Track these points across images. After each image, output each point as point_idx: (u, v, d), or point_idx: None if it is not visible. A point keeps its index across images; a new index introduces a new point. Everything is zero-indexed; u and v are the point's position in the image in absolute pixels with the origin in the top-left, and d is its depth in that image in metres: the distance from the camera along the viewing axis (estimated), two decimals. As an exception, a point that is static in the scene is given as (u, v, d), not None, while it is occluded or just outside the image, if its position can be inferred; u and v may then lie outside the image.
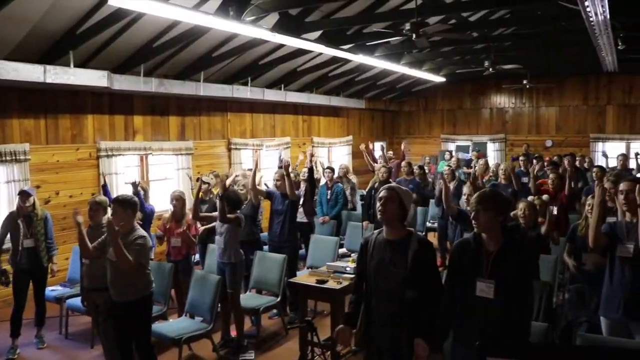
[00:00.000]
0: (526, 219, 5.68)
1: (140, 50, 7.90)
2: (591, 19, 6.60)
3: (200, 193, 7.93)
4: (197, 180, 8.09)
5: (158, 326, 5.64)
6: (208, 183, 7.92)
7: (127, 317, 4.74)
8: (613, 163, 12.65)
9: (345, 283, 5.57)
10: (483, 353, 1.99)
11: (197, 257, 7.51)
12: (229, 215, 5.93)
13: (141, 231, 4.79)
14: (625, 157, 11.24)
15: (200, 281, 5.95)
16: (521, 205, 5.78)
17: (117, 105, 8.89)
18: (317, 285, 5.68)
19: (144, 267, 4.74)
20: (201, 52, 8.72)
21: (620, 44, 8.84)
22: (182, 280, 6.52)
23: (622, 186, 4.24)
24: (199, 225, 7.01)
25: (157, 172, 9.92)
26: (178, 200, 6.72)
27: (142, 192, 7.30)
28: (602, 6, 6.01)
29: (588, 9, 6.10)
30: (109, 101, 8.74)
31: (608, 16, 6.57)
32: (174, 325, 5.71)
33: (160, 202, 8.71)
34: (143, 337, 4.87)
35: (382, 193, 3.63)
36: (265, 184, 9.24)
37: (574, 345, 3.85)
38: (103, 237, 4.95)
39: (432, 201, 10.43)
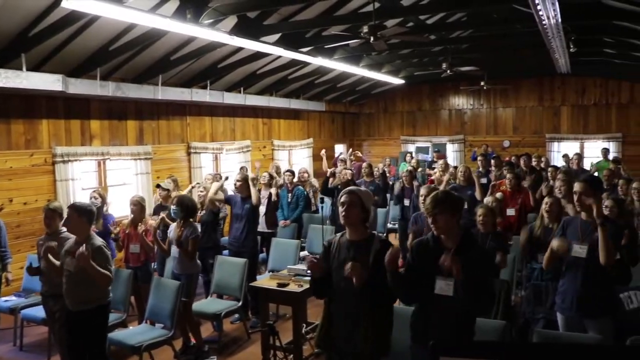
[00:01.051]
0: (485, 224, 5.72)
1: (96, 53, 7.76)
2: (544, 22, 6.74)
3: (160, 199, 7.88)
4: (157, 186, 8.01)
5: (117, 334, 5.55)
6: (167, 189, 7.84)
7: (82, 327, 4.61)
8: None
9: (307, 286, 5.54)
10: (436, 353, 2.00)
11: (155, 263, 7.40)
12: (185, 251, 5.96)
13: (98, 240, 4.69)
14: (579, 157, 11.53)
15: (159, 287, 5.87)
16: (479, 211, 5.82)
17: (73, 110, 8.70)
18: (278, 288, 5.66)
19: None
20: (159, 56, 8.62)
21: (572, 46, 9.05)
22: (142, 286, 6.42)
23: (575, 187, 4.34)
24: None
25: (116, 177, 9.75)
26: (136, 206, 6.60)
27: (100, 200, 7.18)
28: (554, 10, 6.15)
29: (540, 13, 6.23)
30: (64, 105, 8.54)
31: (560, 19, 6.73)
32: (133, 333, 5.63)
33: (119, 208, 8.57)
34: (97, 348, 4.72)
35: (343, 198, 3.66)
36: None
37: (526, 343, 3.93)
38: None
39: (393, 203, 10.52)
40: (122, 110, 9.53)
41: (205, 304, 6.49)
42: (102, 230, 6.80)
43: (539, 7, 6.03)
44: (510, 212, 7.46)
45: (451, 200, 3.50)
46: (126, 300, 6.01)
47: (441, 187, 7.67)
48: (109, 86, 8.34)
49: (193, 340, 6.09)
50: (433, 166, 13.19)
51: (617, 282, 4.91)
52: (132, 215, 6.64)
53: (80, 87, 7.91)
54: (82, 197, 8.02)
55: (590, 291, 4.22)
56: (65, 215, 4.99)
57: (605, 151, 13.14)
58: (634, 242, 5.06)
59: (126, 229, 6.61)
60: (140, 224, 6.45)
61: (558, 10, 6.28)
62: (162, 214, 7.00)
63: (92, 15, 6.27)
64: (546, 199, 5.63)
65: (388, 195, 10.59)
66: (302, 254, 7.47)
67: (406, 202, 9.02)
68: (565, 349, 2.07)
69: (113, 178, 9.65)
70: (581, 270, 4.26)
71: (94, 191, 7.55)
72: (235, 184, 7.23)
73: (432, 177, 10.18)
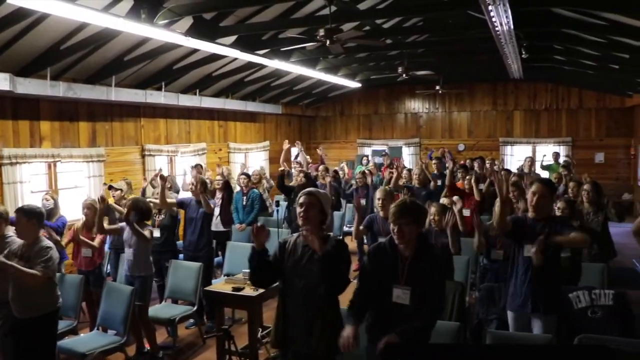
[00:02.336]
0: (437, 222, 5.81)
1: (46, 52, 7.55)
2: (497, 29, 6.88)
3: (113, 200, 7.73)
4: (109, 188, 7.87)
5: (67, 342, 5.41)
6: (120, 189, 7.70)
7: (29, 335, 4.47)
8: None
9: (262, 290, 5.51)
10: (386, 356, 2.02)
11: (108, 267, 7.25)
12: (138, 229, 5.83)
13: (46, 242, 4.56)
14: (531, 160, 11.81)
15: (112, 292, 5.74)
16: (433, 209, 5.91)
17: (22, 110, 8.44)
18: (234, 292, 5.60)
19: (50, 280, 4.52)
20: (112, 56, 8.45)
21: (524, 53, 9.25)
22: (94, 292, 6.28)
23: (532, 188, 4.46)
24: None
25: (67, 180, 9.51)
26: (90, 209, 6.45)
27: (51, 203, 7.01)
28: (507, 17, 6.29)
29: (494, 19, 6.36)
30: (12, 106, 8.27)
31: (512, 26, 6.88)
32: (84, 340, 5.49)
33: (70, 212, 8.36)
34: (46, 357, 4.58)
35: (302, 199, 3.64)
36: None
37: (474, 345, 3.99)
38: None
39: (349, 205, 10.56)
40: (74, 112, 9.30)
41: (159, 309, 6.39)
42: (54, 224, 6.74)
43: (492, 14, 6.15)
44: (466, 212, 7.56)
45: (419, 211, 3.52)
46: (77, 306, 5.85)
47: (392, 182, 7.73)
48: (60, 86, 8.13)
49: (147, 346, 5.98)
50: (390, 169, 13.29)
51: (567, 281, 5.07)
52: (84, 219, 6.49)
53: (29, 86, 7.68)
54: (31, 201, 7.78)
55: (539, 290, 4.35)
56: (11, 219, 4.85)
57: (556, 155, 13.50)
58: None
59: (78, 232, 6.45)
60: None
61: (510, 17, 6.42)
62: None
63: (41, 12, 6.10)
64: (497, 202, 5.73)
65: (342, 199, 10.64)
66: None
67: (362, 202, 9.07)
68: (514, 349, 2.10)
69: (64, 181, 9.41)
70: (531, 270, 4.38)
71: (47, 193, 7.37)
72: (190, 188, 7.13)
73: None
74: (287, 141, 10.22)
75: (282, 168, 8.68)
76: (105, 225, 6.30)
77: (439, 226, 5.78)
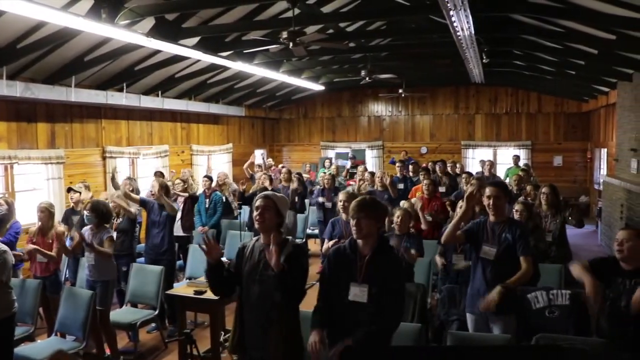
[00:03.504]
0: (401, 225, 5.86)
1: (3, 51, 7.36)
2: (458, 33, 6.98)
3: (71, 203, 7.61)
4: (68, 190, 7.73)
5: (24, 349, 5.28)
6: (79, 192, 7.58)
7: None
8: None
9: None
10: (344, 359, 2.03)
11: (67, 272, 7.10)
12: (101, 250, 5.77)
13: (1, 245, 4.46)
14: (491, 163, 11.98)
15: (71, 297, 5.62)
16: (397, 212, 5.96)
17: (-24, 111, 8.26)
18: (195, 296, 5.56)
19: (5, 285, 4.41)
20: (72, 56, 8.30)
21: (485, 57, 9.41)
22: (51, 297, 6.15)
23: (487, 191, 4.54)
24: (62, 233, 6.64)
25: (25, 182, 9.30)
26: (44, 212, 6.29)
27: (4, 208, 6.83)
28: (467, 22, 6.38)
29: (455, 24, 6.45)
30: (-34, 106, 8.10)
31: (473, 31, 6.99)
32: (42, 347, 5.36)
33: (27, 215, 8.17)
34: None
35: (258, 202, 3.63)
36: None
37: (432, 347, 4.04)
38: None
39: (312, 208, 10.57)
40: (32, 112, 9.10)
41: (119, 314, 6.28)
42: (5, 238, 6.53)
43: (453, 19, 6.24)
44: (428, 217, 7.64)
45: (378, 207, 3.54)
46: (34, 312, 5.72)
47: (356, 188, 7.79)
48: (17, 86, 7.95)
49: (108, 352, 5.89)
50: (352, 171, 13.38)
51: (526, 282, 5.16)
52: (39, 223, 6.35)
53: (-17, 86, 7.51)
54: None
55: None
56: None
57: (516, 158, 13.76)
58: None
59: (33, 237, 6.31)
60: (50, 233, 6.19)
61: (471, 22, 6.53)
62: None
63: (-4, 10, 5.97)
64: (460, 203, 5.83)
65: (307, 201, 10.65)
66: (223, 259, 7.36)
67: (328, 205, 9.12)
68: (471, 351, 2.14)
69: (22, 183, 9.21)
70: (489, 271, 4.46)
71: (1, 198, 7.19)
72: (151, 192, 7.04)
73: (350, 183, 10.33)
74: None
75: (243, 186, 8.62)
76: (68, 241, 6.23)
77: (401, 230, 5.83)
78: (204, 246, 3.58)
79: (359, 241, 3.50)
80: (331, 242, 5.81)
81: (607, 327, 4.01)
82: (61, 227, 6.68)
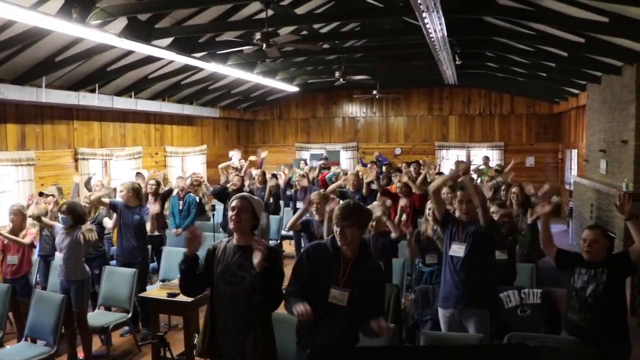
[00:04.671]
0: (375, 227, 5.88)
1: (-30, 51, 7.27)
2: (431, 35, 7.04)
3: (45, 206, 7.48)
4: (40, 194, 7.62)
5: (-7, 353, 5.20)
6: (52, 195, 7.47)
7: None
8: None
9: (198, 295, 5.45)
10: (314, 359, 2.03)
11: (38, 276, 6.99)
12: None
13: None
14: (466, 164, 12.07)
15: (41, 301, 5.53)
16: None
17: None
18: (168, 298, 5.52)
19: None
20: (42, 56, 8.18)
21: (457, 59, 9.50)
22: (21, 301, 6.05)
23: (459, 195, 4.65)
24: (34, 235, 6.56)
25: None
26: (17, 215, 6.21)
27: None
28: (440, 24, 6.44)
29: (428, 26, 6.50)
30: None
31: (445, 33, 7.05)
32: (11, 352, 5.28)
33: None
34: None
35: (234, 202, 3.61)
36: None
37: (401, 347, 4.07)
38: None
39: (287, 209, 10.57)
40: (1, 113, 8.93)
41: (92, 317, 6.19)
42: None
43: (426, 21, 6.29)
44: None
45: (362, 213, 3.51)
46: (3, 316, 5.63)
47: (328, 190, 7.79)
48: (-16, 87, 7.83)
49: (80, 356, 5.82)
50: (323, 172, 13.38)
51: (503, 282, 5.26)
52: (11, 225, 6.25)
53: (-50, 87, 7.38)
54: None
55: (468, 287, 4.52)
56: None
57: (486, 159, 13.92)
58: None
59: (4, 239, 6.21)
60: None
61: (444, 24, 6.58)
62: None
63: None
64: (429, 204, 5.88)
65: (282, 202, 10.64)
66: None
67: (299, 205, 9.11)
68: (438, 350, 2.16)
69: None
70: (459, 268, 4.56)
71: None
72: (120, 194, 6.95)
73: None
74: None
75: (224, 181, 8.63)
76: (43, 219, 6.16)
77: (376, 230, 5.85)
78: (189, 234, 3.55)
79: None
80: (294, 218, 5.85)
81: (574, 319, 4.13)
82: (33, 228, 6.60)
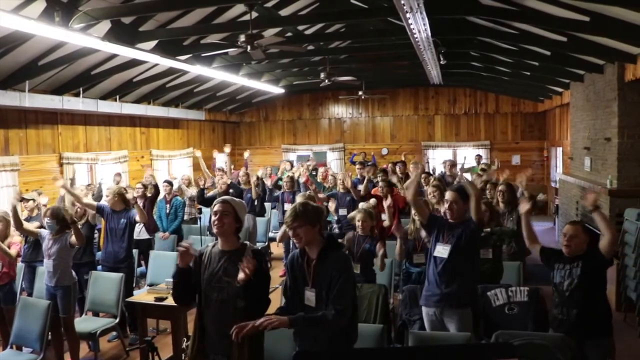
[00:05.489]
0: (364, 227, 5.89)
1: (-49, 56, 7.19)
2: (415, 35, 7.06)
3: (25, 211, 7.43)
4: (21, 200, 7.54)
5: (-22, 362, 5.15)
6: (32, 199, 7.40)
7: None
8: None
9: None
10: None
11: (22, 282, 6.92)
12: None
13: None
14: (452, 163, 12.14)
15: (27, 308, 5.49)
16: (358, 215, 5.98)
17: None
18: (156, 303, 5.50)
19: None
20: (25, 60, 8.10)
21: (442, 59, 9.53)
22: (5, 308, 6.00)
23: (447, 195, 4.68)
24: (19, 242, 6.51)
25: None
26: (1, 222, 6.16)
27: None
28: (424, 24, 6.46)
29: (412, 26, 6.52)
30: None
31: (430, 33, 7.07)
32: (-4, 359, 5.24)
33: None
34: None
35: (216, 207, 3.61)
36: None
37: (386, 349, 4.08)
38: None
39: (274, 211, 10.56)
40: (-17, 118, 8.89)
41: (79, 323, 6.15)
42: None
43: (410, 21, 6.31)
44: (385, 216, 7.69)
45: (310, 211, 3.52)
46: (-12, 324, 5.58)
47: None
48: (-33, 92, 7.75)
49: (68, 361, 5.79)
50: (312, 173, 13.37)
51: (489, 280, 5.29)
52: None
53: None
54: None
55: (452, 288, 4.54)
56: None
57: (479, 157, 14.03)
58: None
59: None
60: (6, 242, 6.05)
61: (428, 24, 6.61)
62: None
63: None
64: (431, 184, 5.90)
65: (269, 205, 10.64)
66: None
67: (287, 207, 9.11)
68: (425, 350, 2.17)
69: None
70: (442, 269, 4.59)
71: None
72: (106, 199, 6.91)
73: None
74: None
75: (203, 183, 8.61)
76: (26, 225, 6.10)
77: (364, 231, 5.86)
78: (181, 248, 3.55)
79: (306, 247, 3.53)
80: (280, 233, 5.83)
81: (554, 313, 4.22)
82: (18, 237, 6.55)
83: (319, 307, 3.40)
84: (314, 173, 12.77)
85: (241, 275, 3.39)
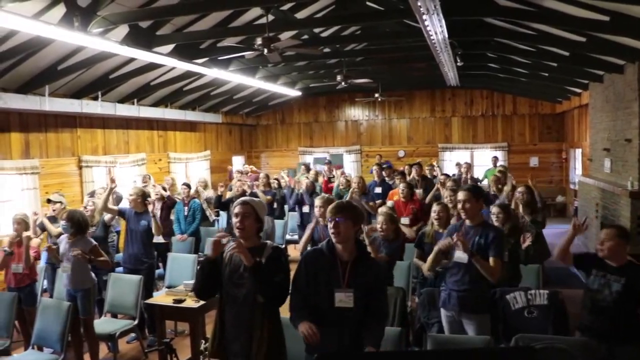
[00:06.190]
0: (385, 231, 5.87)
1: (-27, 61, 7.28)
2: (432, 37, 7.03)
3: (51, 212, 7.51)
4: (47, 201, 7.62)
5: (0, 362, 5.21)
6: (60, 202, 7.47)
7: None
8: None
9: (203, 301, 5.45)
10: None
11: (45, 283, 7.00)
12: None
13: None
14: (469, 166, 12.07)
15: (48, 309, 5.54)
16: (379, 218, 5.97)
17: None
18: (175, 305, 5.52)
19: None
20: (45, 65, 8.20)
21: (459, 60, 9.49)
22: (26, 310, 6.06)
23: (459, 196, 4.61)
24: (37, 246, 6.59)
25: (-1, 193, 9.17)
26: (20, 224, 6.24)
27: None
28: (441, 26, 6.44)
29: (428, 28, 6.50)
30: (-63, 117, 7.95)
31: (446, 35, 7.05)
32: (18, 360, 5.29)
33: (2, 226, 8.04)
34: None
35: (237, 209, 3.63)
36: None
37: (405, 352, 4.07)
38: None
39: (291, 214, 10.55)
40: (5, 122, 8.97)
41: (98, 324, 6.19)
42: None
43: (427, 23, 6.29)
44: (405, 220, 7.68)
45: (354, 209, 3.55)
46: (9, 325, 5.63)
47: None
48: (-12, 96, 7.85)
49: (87, 363, 5.83)
50: (329, 176, 13.37)
51: (508, 283, 5.23)
52: (14, 234, 6.27)
53: (-46, 96, 7.40)
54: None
55: (470, 293, 4.49)
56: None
57: (495, 159, 13.93)
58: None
59: (10, 249, 6.23)
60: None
61: (445, 26, 6.58)
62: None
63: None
64: (435, 207, 5.87)
65: (286, 207, 10.64)
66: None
67: (305, 209, 9.12)
68: (444, 354, 2.15)
69: (-5, 194, 9.07)
70: (462, 274, 4.53)
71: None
72: (128, 199, 6.98)
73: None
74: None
75: (221, 189, 8.70)
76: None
77: (386, 235, 5.84)
78: (215, 239, 3.62)
79: (338, 245, 3.50)
80: (303, 240, 5.85)
81: (586, 319, 4.14)
82: (37, 239, 6.62)
83: (358, 309, 3.40)
84: (332, 176, 12.75)
85: (245, 257, 3.47)
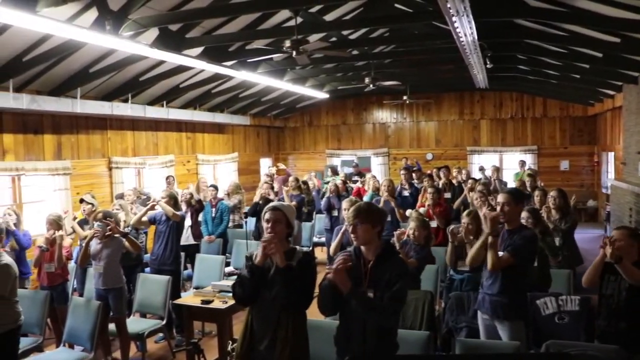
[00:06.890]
0: (417, 237, 5.82)
1: (9, 64, 7.41)
2: (461, 39, 6.96)
3: (81, 215, 7.61)
4: (80, 201, 7.72)
5: (32, 359, 5.29)
6: (92, 204, 7.56)
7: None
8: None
9: (231, 302, 5.46)
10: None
11: (75, 283, 7.10)
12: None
13: (4, 258, 4.47)
14: (497, 169, 11.95)
15: (79, 308, 5.63)
16: (411, 224, 5.92)
17: (-17, 123, 8.29)
18: (203, 305, 5.55)
19: (9, 297, 4.42)
20: (77, 68, 8.35)
21: (488, 62, 9.39)
22: (58, 308, 6.16)
23: (499, 198, 4.55)
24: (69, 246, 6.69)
25: (32, 194, 9.32)
26: (52, 225, 6.34)
27: (14, 218, 6.89)
28: (470, 27, 6.37)
29: (458, 30, 6.43)
30: (-27, 118, 8.13)
31: (476, 37, 6.97)
32: (50, 357, 5.40)
33: (35, 226, 8.17)
34: None
35: (268, 214, 3.65)
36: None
37: (434, 356, 4.04)
38: None
39: (319, 216, 10.54)
40: (38, 124, 9.15)
41: (127, 324, 6.26)
42: (17, 248, 6.74)
43: (456, 25, 6.22)
44: (433, 224, 7.61)
45: (372, 211, 3.53)
46: (42, 322, 5.71)
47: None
48: (23, 98, 7.99)
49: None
50: (354, 178, 13.35)
51: (537, 289, 5.15)
52: (51, 231, 6.37)
53: (-9, 99, 7.55)
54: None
55: (505, 297, 4.40)
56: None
57: (522, 163, 13.75)
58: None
59: (47, 246, 6.33)
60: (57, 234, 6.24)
61: (474, 28, 6.51)
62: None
63: (3, 23, 6.01)
64: (464, 219, 5.75)
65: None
66: (227, 269, 7.39)
67: (335, 213, 9.10)
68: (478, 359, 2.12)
69: (29, 194, 9.22)
70: (494, 279, 4.45)
71: (9, 208, 7.25)
72: (163, 200, 7.04)
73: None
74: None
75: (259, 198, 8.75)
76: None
77: (417, 240, 5.80)
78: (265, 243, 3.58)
79: (362, 247, 3.51)
80: (334, 245, 5.81)
81: (600, 325, 4.09)
82: (69, 239, 6.73)
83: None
84: (356, 179, 12.73)
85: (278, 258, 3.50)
